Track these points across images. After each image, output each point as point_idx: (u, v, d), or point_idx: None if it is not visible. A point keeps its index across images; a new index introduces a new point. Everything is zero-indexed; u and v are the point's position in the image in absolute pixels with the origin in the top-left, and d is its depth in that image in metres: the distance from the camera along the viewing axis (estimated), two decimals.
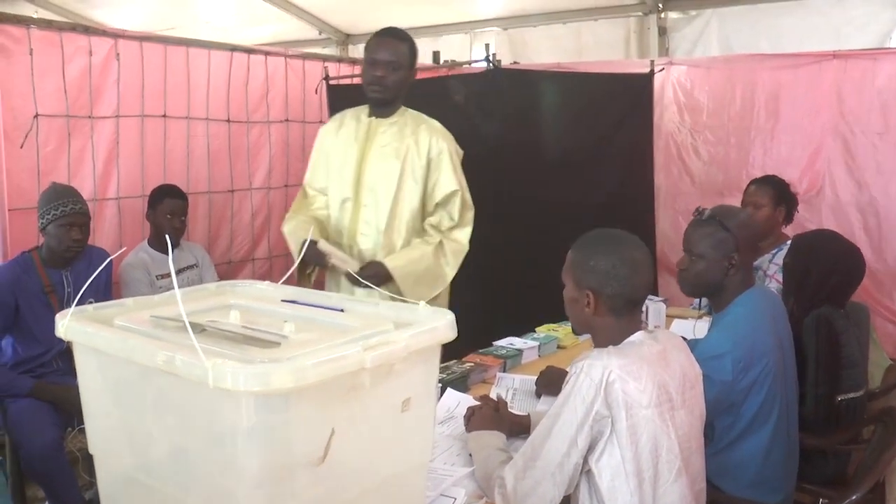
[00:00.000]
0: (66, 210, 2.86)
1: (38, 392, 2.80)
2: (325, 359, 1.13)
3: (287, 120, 4.28)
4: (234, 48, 4.01)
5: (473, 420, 1.96)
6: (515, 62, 5.34)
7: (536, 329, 3.02)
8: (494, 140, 3.75)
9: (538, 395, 2.38)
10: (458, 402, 2.26)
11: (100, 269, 1.81)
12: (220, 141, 4.02)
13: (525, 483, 1.60)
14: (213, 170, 4.00)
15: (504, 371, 2.63)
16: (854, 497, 1.87)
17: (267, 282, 1.74)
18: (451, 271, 2.77)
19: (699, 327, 2.66)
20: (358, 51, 6.30)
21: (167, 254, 3.31)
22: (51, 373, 2.93)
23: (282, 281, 1.77)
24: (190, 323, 1.14)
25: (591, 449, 1.58)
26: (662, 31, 5.20)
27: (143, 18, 6.29)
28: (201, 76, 3.86)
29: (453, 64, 5.07)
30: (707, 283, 2.25)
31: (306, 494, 1.18)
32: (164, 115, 3.74)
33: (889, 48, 4.26)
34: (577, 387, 1.58)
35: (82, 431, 2.09)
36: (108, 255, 2.83)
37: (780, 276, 3.00)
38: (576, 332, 2.07)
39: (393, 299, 1.64)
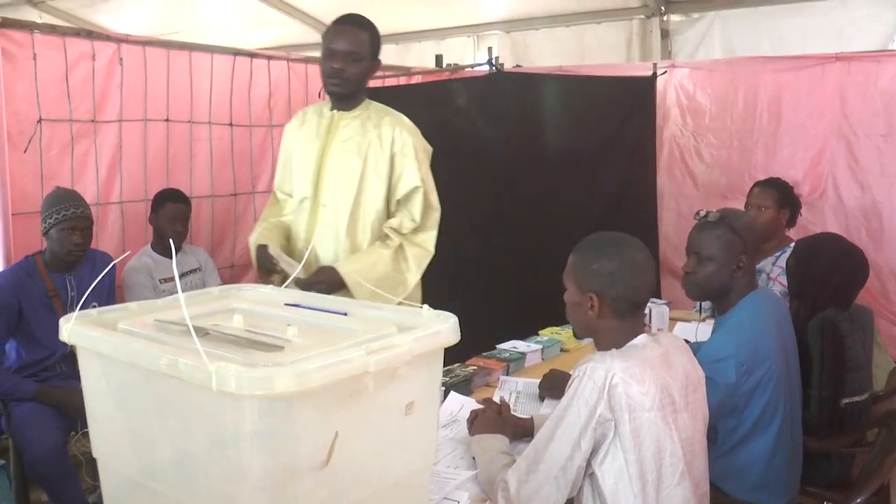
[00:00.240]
0: (67, 214, 2.87)
1: (42, 396, 2.80)
2: (329, 362, 1.13)
3: None
4: (236, 52, 4.01)
5: (476, 423, 1.96)
6: (518, 65, 5.34)
7: (539, 332, 3.02)
8: (497, 143, 3.76)
9: (541, 398, 2.38)
10: (462, 405, 2.26)
11: (103, 273, 1.81)
12: (223, 145, 4.02)
13: (528, 486, 1.60)
14: (216, 174, 4.00)
15: (507, 374, 2.63)
16: (859, 500, 1.87)
17: (270, 286, 1.74)
18: (412, 278, 2.54)
19: (702, 330, 2.66)
20: None
21: (170, 258, 3.32)
22: (54, 377, 2.94)
23: (285, 285, 1.77)
24: (193, 327, 1.14)
25: (594, 452, 1.58)
26: (665, 34, 5.20)
27: (146, 23, 6.30)
28: (204, 80, 3.87)
29: (456, 67, 5.08)
30: (715, 287, 2.24)
31: (310, 498, 1.18)
32: (167, 120, 3.74)
33: (892, 50, 4.27)
34: (580, 390, 1.58)
35: (86, 435, 2.09)
36: (112, 259, 2.84)
37: (783, 279, 3.00)
38: (577, 335, 2.07)
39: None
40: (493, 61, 3.94)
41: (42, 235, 2.95)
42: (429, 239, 2.58)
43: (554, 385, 2.33)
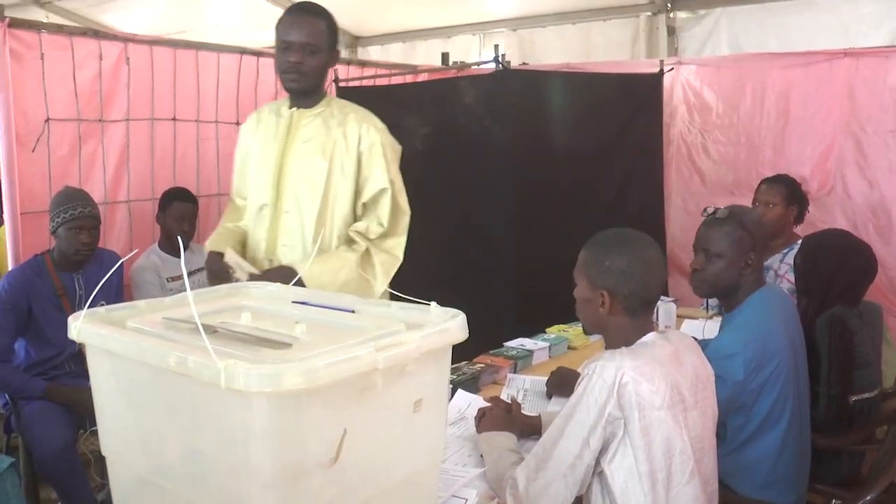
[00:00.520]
0: (74, 213, 2.88)
1: (51, 394, 2.82)
2: (337, 360, 1.13)
3: None
4: (243, 51, 4.02)
5: (484, 421, 1.96)
6: (525, 63, 5.33)
7: (547, 330, 3.02)
8: (503, 141, 3.75)
9: (549, 395, 2.38)
10: (469, 403, 2.26)
11: (111, 271, 1.81)
12: (230, 144, 3.99)
13: (537, 484, 1.60)
14: (223, 173, 4.00)
15: (515, 372, 2.62)
16: (868, 497, 1.87)
17: (278, 283, 1.74)
18: (379, 286, 2.33)
19: (709, 328, 2.65)
20: (367, 53, 6.31)
21: (178, 256, 3.33)
22: (63, 375, 2.95)
23: (292, 283, 1.77)
24: (202, 324, 1.14)
25: (603, 450, 1.58)
26: (671, 31, 5.18)
27: (153, 22, 6.31)
28: (211, 79, 3.88)
29: (462, 65, 5.08)
30: (724, 284, 2.23)
31: (319, 495, 1.18)
32: (174, 119, 3.76)
33: None
34: (589, 388, 1.58)
35: (95, 433, 2.10)
36: (120, 258, 2.85)
37: (791, 276, 2.99)
38: (587, 332, 2.06)
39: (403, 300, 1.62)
40: (500, 59, 3.93)
41: (50, 234, 2.96)
42: (397, 245, 2.38)
43: (561, 383, 2.33)
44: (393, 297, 1.93)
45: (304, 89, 2.33)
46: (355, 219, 2.38)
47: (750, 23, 4.90)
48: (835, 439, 2.42)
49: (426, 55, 5.88)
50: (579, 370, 2.25)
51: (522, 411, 2.08)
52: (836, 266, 2.55)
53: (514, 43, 5.78)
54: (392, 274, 2.36)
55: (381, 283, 2.34)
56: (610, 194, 4.15)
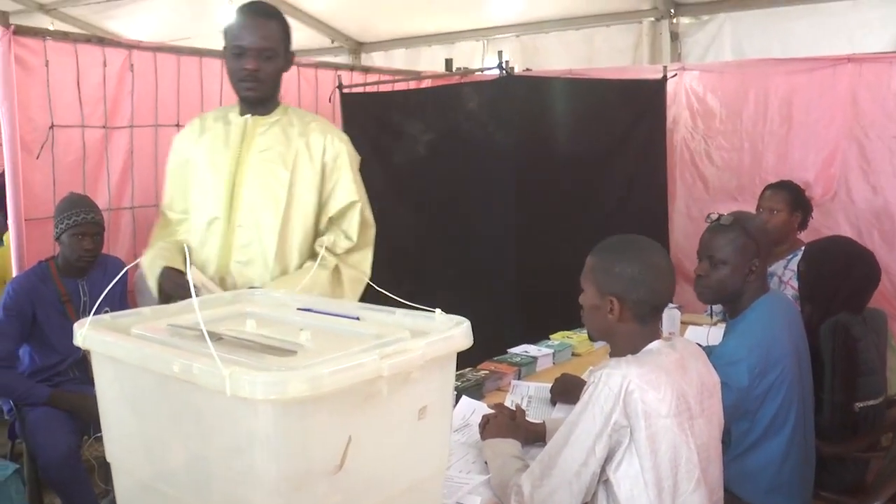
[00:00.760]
0: (78, 220, 2.89)
1: (56, 400, 2.82)
2: (342, 367, 1.13)
3: None
4: None
5: (489, 428, 1.96)
6: (528, 69, 5.34)
7: (551, 336, 3.02)
8: (507, 147, 3.76)
9: (553, 402, 2.38)
10: (473, 409, 2.26)
11: (116, 278, 1.81)
12: None
13: (541, 491, 1.60)
14: None
15: (519, 379, 2.62)
16: None
17: (283, 290, 1.74)
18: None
19: (713, 334, 2.65)
20: (371, 59, 6.33)
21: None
22: (67, 381, 2.95)
23: (297, 290, 1.77)
24: (207, 331, 1.14)
25: (608, 459, 1.57)
26: (675, 37, 5.19)
27: (157, 29, 6.34)
28: (214, 85, 3.88)
29: (466, 71, 5.08)
30: (728, 290, 2.23)
31: (324, 503, 1.18)
32: (178, 125, 3.76)
33: None
34: (595, 396, 1.57)
35: (99, 440, 2.10)
36: (124, 265, 2.86)
37: (795, 283, 2.99)
38: (592, 338, 2.05)
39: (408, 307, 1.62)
40: (504, 65, 3.93)
41: (55, 241, 2.97)
42: (363, 259, 2.25)
43: (565, 389, 2.33)
44: (398, 304, 1.77)
45: (261, 97, 2.18)
46: (317, 233, 2.24)
47: (753, 28, 4.90)
48: (839, 446, 2.41)
49: (430, 61, 5.89)
50: (584, 377, 2.25)
51: (527, 418, 2.08)
52: (841, 273, 2.55)
53: (517, 49, 5.80)
54: (360, 292, 2.21)
55: (350, 301, 2.16)
56: (613, 200, 4.15)
